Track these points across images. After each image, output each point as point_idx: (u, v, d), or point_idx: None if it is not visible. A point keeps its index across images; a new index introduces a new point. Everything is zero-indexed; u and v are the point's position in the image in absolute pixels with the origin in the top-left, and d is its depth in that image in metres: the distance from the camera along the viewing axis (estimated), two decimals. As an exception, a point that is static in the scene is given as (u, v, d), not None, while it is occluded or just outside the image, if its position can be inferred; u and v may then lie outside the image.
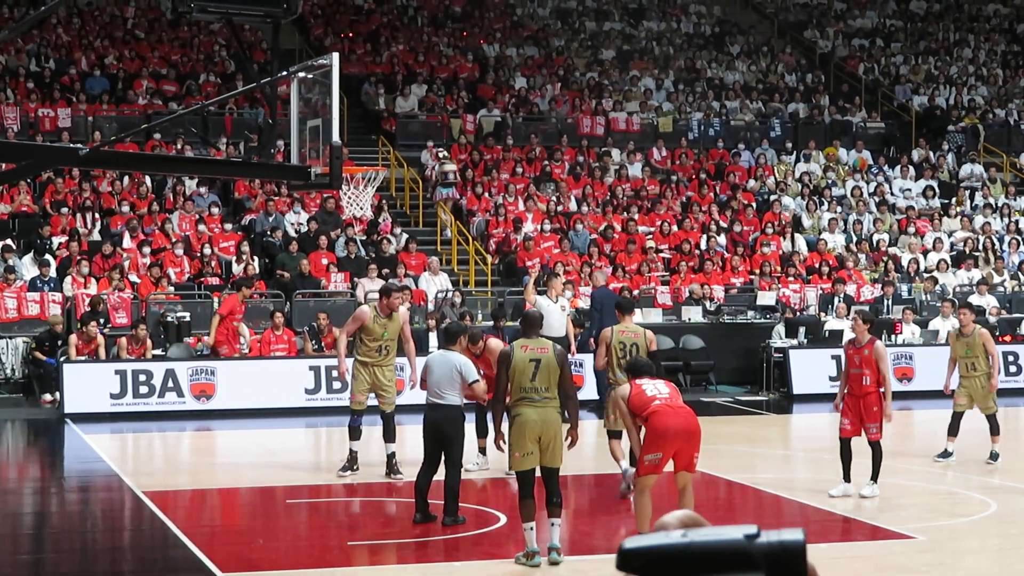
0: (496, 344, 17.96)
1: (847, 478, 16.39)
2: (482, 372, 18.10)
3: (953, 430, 19.13)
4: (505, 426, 13.33)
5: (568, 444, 13.15)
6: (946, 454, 19.15)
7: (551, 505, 12.94)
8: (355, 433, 17.88)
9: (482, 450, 18.33)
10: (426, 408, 14.58)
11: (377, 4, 42.73)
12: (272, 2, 12.31)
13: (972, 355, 19.06)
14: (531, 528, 12.91)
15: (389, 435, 17.79)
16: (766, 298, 29.50)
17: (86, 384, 23.96)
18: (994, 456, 18.94)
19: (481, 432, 18.32)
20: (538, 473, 12.96)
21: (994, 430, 19.01)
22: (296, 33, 39.15)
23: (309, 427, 23.78)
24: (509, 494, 15.86)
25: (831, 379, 25.84)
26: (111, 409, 23.86)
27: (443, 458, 14.50)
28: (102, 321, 25.58)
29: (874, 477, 16.27)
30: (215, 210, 30.76)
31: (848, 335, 27.14)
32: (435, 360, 14.75)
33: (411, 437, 21.22)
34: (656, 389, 13.11)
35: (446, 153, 34.32)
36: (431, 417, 14.51)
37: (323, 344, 25.82)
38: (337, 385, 24.05)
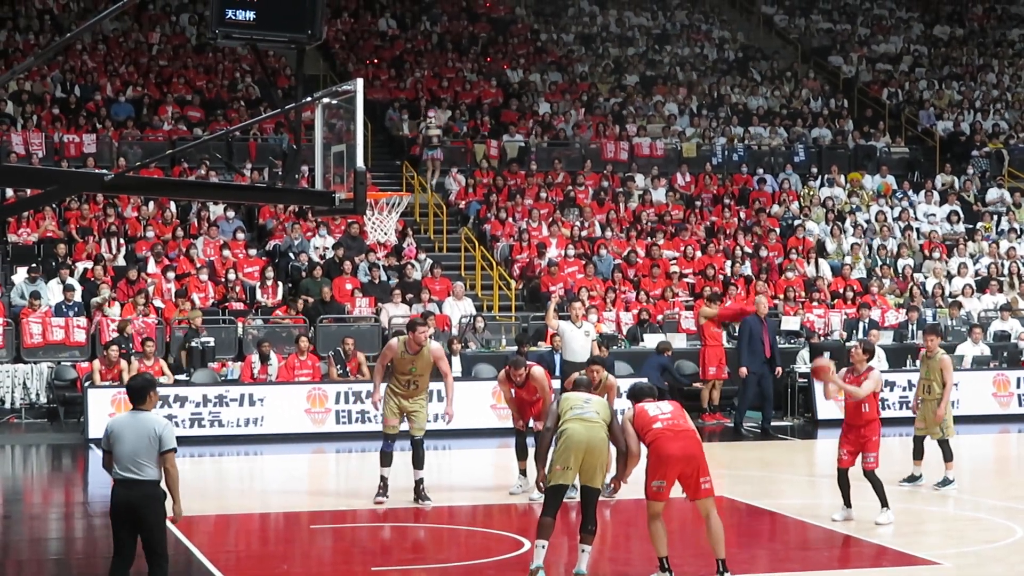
0: (540, 372, 17.80)
1: (847, 504, 16.47)
2: (514, 395, 18.05)
3: (917, 454, 19.20)
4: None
5: (611, 491, 13.11)
6: (912, 478, 19.10)
7: (585, 532, 12.92)
8: (386, 459, 17.79)
9: (523, 472, 18.25)
10: (115, 485, 11.58)
11: (401, 30, 42.85)
12: (296, 28, 12.32)
13: (929, 378, 19.04)
14: (543, 547, 12.86)
15: (418, 462, 17.75)
16: (790, 323, 29.40)
17: (110, 409, 23.99)
18: (945, 482, 18.89)
19: (521, 454, 18.25)
20: (576, 497, 12.86)
21: (946, 456, 18.96)
22: (320, 59, 39.29)
23: (338, 452, 23.74)
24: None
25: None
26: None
27: (145, 548, 11.49)
28: (129, 347, 25.59)
29: (884, 504, 16.24)
30: (240, 235, 30.82)
31: (876, 363, 27.22)
32: (123, 424, 11.61)
33: (436, 463, 21.25)
34: (659, 409, 13.18)
35: (433, 119, 34.73)
36: (124, 497, 11.44)
37: (348, 369, 25.82)
38: (360, 407, 24.26)
